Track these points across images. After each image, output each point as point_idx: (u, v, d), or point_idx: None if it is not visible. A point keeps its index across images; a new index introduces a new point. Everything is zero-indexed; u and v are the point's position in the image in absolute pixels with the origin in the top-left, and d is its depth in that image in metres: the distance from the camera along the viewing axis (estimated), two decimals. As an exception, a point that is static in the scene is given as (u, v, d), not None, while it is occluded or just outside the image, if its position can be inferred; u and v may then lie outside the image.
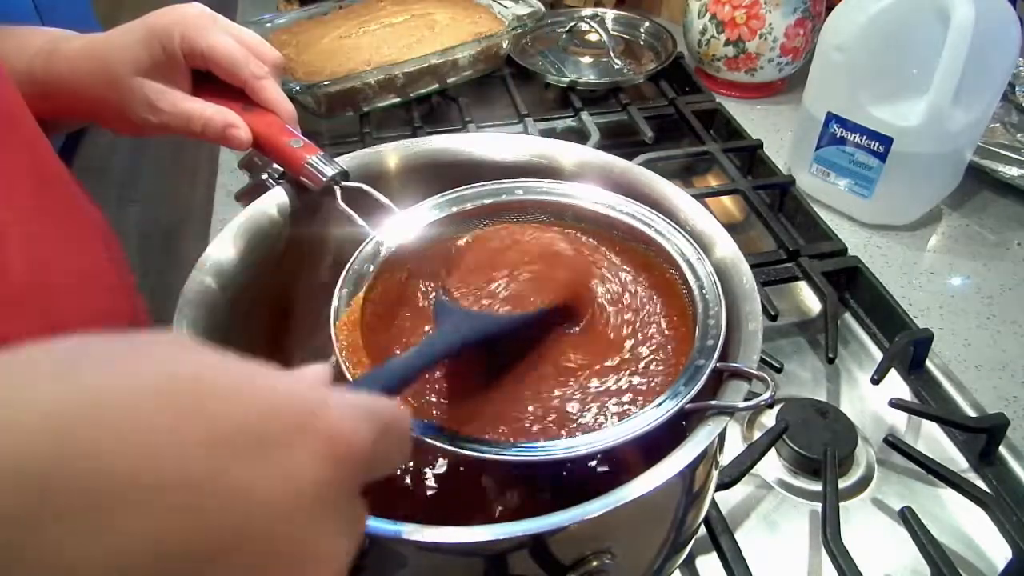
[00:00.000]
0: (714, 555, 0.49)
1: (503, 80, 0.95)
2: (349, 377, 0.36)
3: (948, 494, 0.53)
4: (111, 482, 0.17)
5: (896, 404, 0.57)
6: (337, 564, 0.22)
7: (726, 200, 0.85)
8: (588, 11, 1.05)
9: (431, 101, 0.92)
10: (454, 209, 0.46)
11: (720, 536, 0.49)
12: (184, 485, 0.18)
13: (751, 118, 0.93)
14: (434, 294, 0.43)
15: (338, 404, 0.22)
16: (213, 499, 0.18)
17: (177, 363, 0.19)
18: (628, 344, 0.41)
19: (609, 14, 1.04)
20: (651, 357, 0.40)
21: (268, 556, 0.19)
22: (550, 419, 0.37)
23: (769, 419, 0.58)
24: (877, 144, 0.74)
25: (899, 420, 0.60)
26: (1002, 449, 0.55)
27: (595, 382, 0.39)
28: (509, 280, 0.41)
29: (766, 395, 0.35)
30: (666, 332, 0.42)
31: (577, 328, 0.42)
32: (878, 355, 0.65)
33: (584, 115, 0.88)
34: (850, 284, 0.69)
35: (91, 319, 0.46)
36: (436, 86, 0.90)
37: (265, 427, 0.20)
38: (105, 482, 0.16)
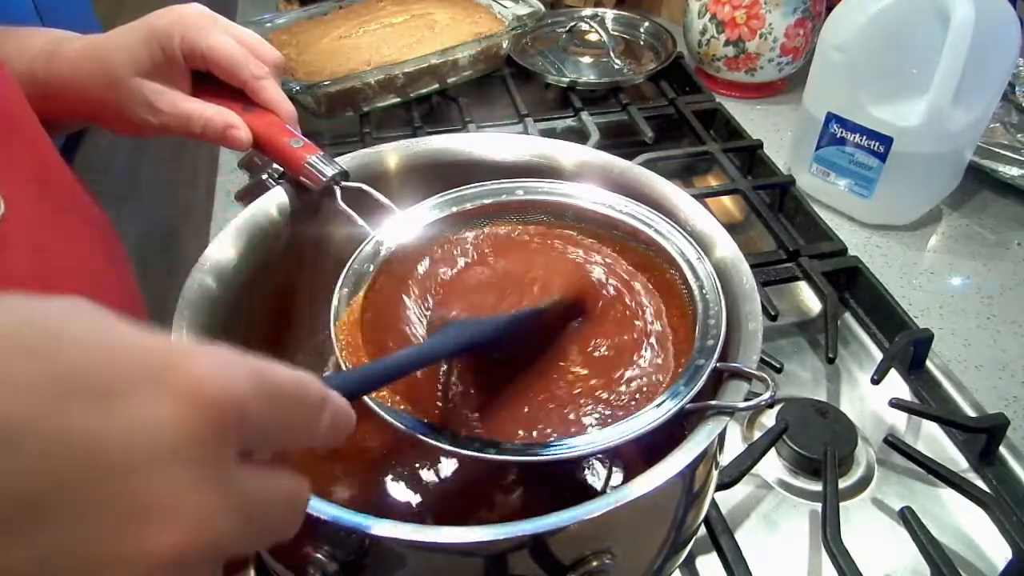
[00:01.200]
0: (714, 555, 0.49)
1: (503, 80, 0.95)
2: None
3: (948, 494, 0.53)
4: None
5: (896, 404, 0.57)
6: (194, 524, 0.19)
7: (726, 200, 0.85)
8: (588, 11, 1.05)
9: (431, 101, 0.92)
10: (454, 209, 0.46)
11: (720, 536, 0.49)
12: (5, 427, 0.17)
13: (751, 118, 0.93)
14: (428, 316, 0.43)
15: (207, 357, 0.20)
16: (37, 443, 0.17)
17: (39, 312, 0.19)
18: (628, 344, 0.41)
19: (609, 14, 1.04)
20: (651, 357, 0.40)
21: (98, 506, 0.18)
22: (550, 419, 0.37)
23: (769, 419, 0.58)
24: (877, 144, 0.74)
25: (899, 420, 0.60)
26: (1002, 449, 0.55)
27: (595, 382, 0.39)
28: (505, 289, 0.41)
29: (766, 395, 0.35)
30: (666, 332, 0.42)
31: (578, 327, 0.42)
32: (878, 355, 0.65)
33: (584, 115, 0.88)
34: (850, 284, 0.69)
35: None
36: (436, 86, 0.90)
37: (113, 375, 0.19)
38: None
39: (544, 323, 0.41)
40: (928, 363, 0.62)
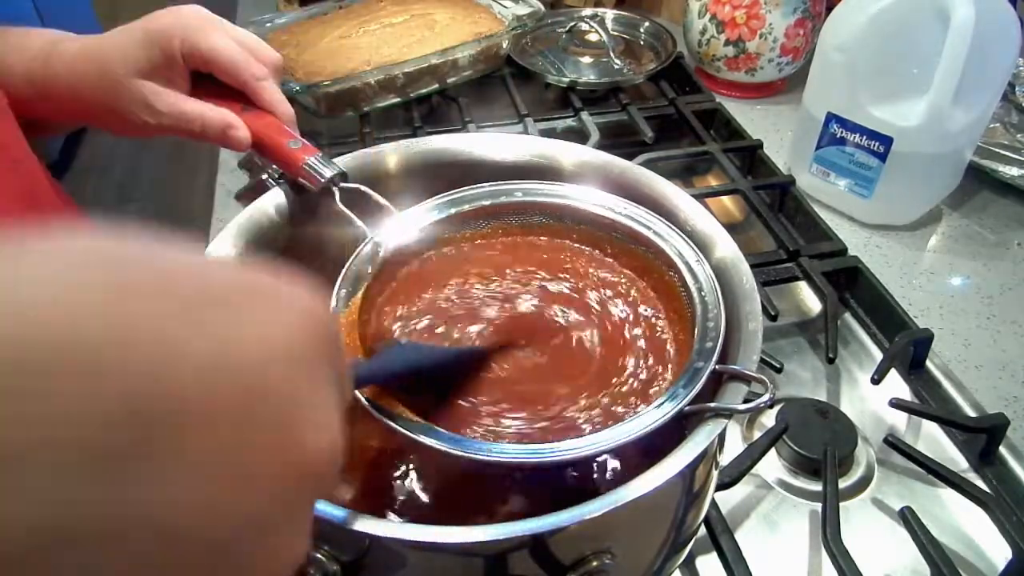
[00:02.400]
0: (714, 555, 0.49)
1: (503, 80, 0.95)
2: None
3: (948, 494, 0.53)
4: (84, 345, 0.15)
5: (896, 404, 0.57)
6: (328, 413, 0.21)
7: (726, 200, 0.85)
8: (588, 11, 1.05)
9: (431, 101, 0.92)
10: (453, 210, 0.46)
11: (720, 536, 0.49)
12: (158, 341, 0.16)
13: (751, 118, 0.93)
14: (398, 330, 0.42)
15: (292, 284, 0.21)
16: (189, 358, 0.17)
17: (117, 247, 0.18)
18: (627, 346, 0.41)
19: (609, 14, 1.04)
20: (650, 359, 0.40)
21: (249, 408, 0.18)
22: (550, 421, 0.37)
23: (769, 419, 0.58)
24: (877, 144, 0.74)
25: (899, 420, 0.60)
26: (1002, 449, 0.55)
27: (595, 384, 0.39)
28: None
29: (765, 397, 0.35)
30: (665, 334, 0.42)
31: (571, 326, 0.42)
32: (878, 355, 0.65)
33: (584, 115, 0.88)
34: (850, 284, 0.69)
35: None
36: (436, 86, 0.90)
37: (229, 293, 0.19)
38: (77, 345, 0.15)
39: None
40: (928, 363, 0.62)
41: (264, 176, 0.48)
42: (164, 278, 0.18)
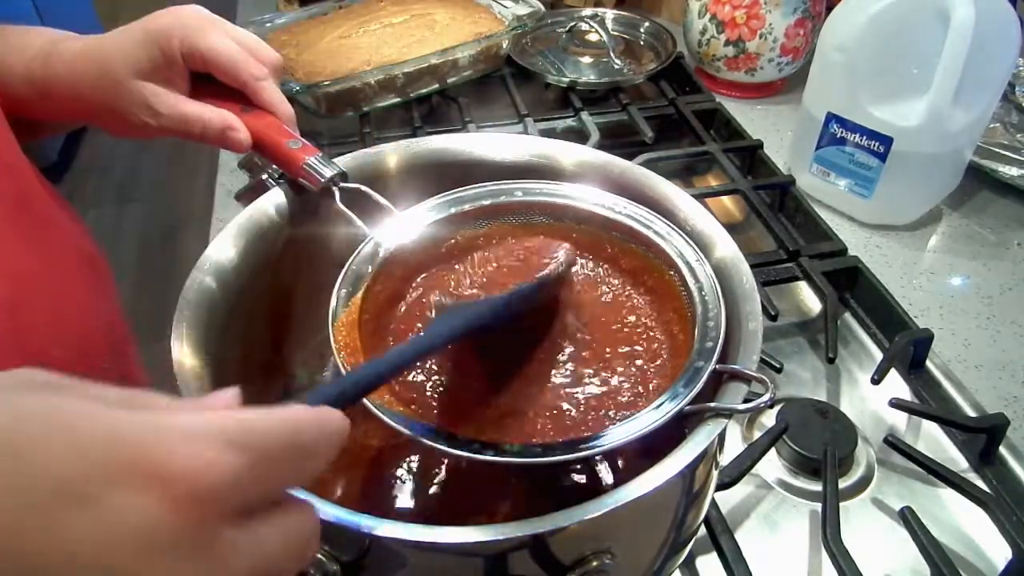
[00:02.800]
0: (714, 555, 0.49)
1: (503, 80, 0.95)
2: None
3: (948, 494, 0.53)
4: None
5: (896, 404, 0.57)
6: None
7: (726, 200, 0.85)
8: (588, 11, 1.05)
9: (431, 101, 0.92)
10: (453, 210, 0.46)
11: (720, 536, 0.49)
12: (8, 552, 0.17)
13: (751, 118, 0.93)
14: (434, 299, 0.43)
15: (183, 438, 0.20)
16: (11, 562, 0.17)
17: None
18: (627, 346, 0.41)
19: (609, 14, 1.04)
20: (650, 359, 0.40)
21: None
22: (550, 421, 0.37)
23: (769, 419, 0.58)
24: (877, 144, 0.74)
25: (899, 420, 0.60)
26: (1002, 449, 0.55)
27: (595, 384, 0.39)
28: (485, 273, 0.42)
29: (765, 397, 0.35)
30: (665, 334, 0.42)
31: (577, 329, 0.42)
32: (878, 355, 0.65)
33: (584, 115, 0.88)
34: (850, 284, 0.69)
35: (67, 349, 0.45)
36: (436, 86, 0.90)
37: (83, 474, 0.18)
38: None
39: (538, 304, 0.41)
40: (928, 363, 0.62)
41: (264, 176, 0.48)
42: (20, 466, 0.17)
